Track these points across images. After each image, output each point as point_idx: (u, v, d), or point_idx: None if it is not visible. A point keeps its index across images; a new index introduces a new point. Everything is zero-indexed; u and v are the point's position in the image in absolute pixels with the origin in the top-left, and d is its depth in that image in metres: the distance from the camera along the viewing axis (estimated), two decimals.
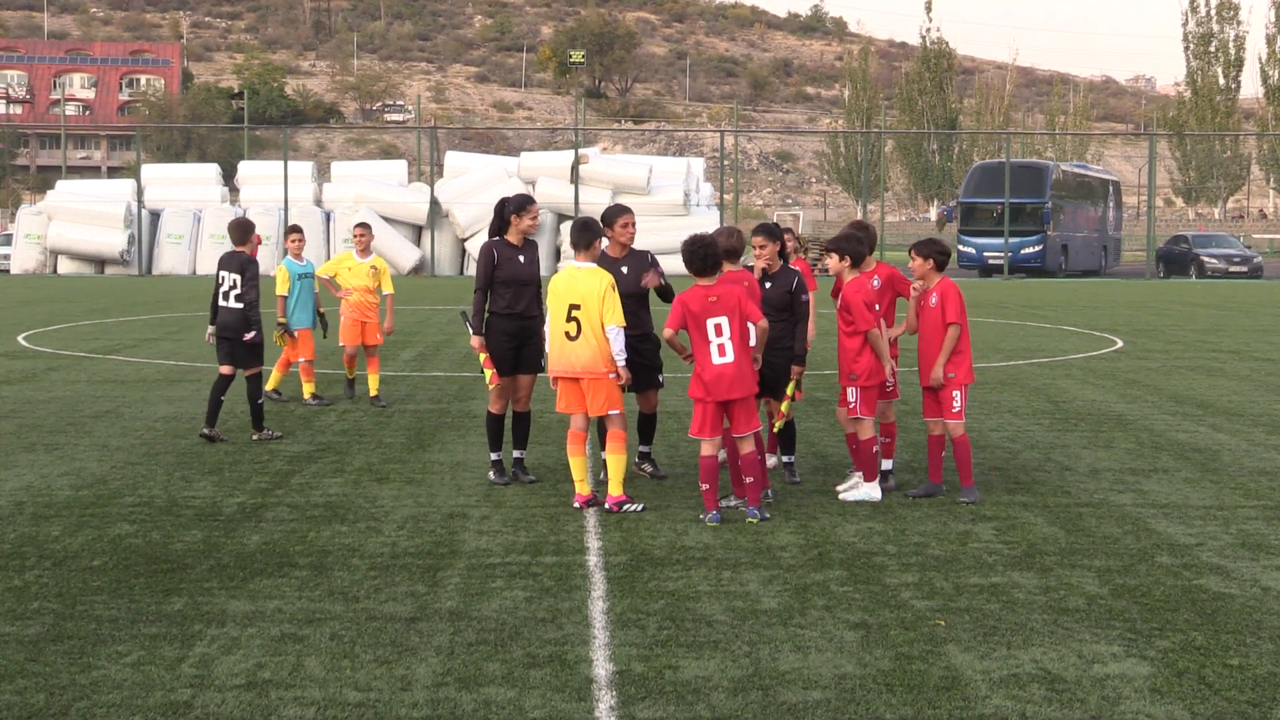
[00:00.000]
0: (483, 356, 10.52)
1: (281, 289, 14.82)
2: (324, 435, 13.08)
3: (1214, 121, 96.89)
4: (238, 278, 12.70)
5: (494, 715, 5.72)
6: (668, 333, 9.42)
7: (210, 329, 13.07)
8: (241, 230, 13.06)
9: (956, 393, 10.05)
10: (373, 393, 15.11)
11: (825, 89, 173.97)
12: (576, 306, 9.59)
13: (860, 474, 10.11)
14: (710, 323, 9.24)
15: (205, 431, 12.63)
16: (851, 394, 10.02)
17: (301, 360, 15.21)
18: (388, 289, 15.44)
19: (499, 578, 7.86)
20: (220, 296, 12.79)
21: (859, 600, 7.40)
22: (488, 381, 10.61)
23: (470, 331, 10.61)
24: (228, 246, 13.34)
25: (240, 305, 12.67)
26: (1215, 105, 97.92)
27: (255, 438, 12.72)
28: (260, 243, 14.17)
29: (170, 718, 5.69)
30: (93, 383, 17.02)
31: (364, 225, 15.61)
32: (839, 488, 10.21)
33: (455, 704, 5.84)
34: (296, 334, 14.95)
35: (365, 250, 15.38)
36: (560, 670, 6.26)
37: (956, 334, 9.99)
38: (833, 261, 10.22)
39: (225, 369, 12.82)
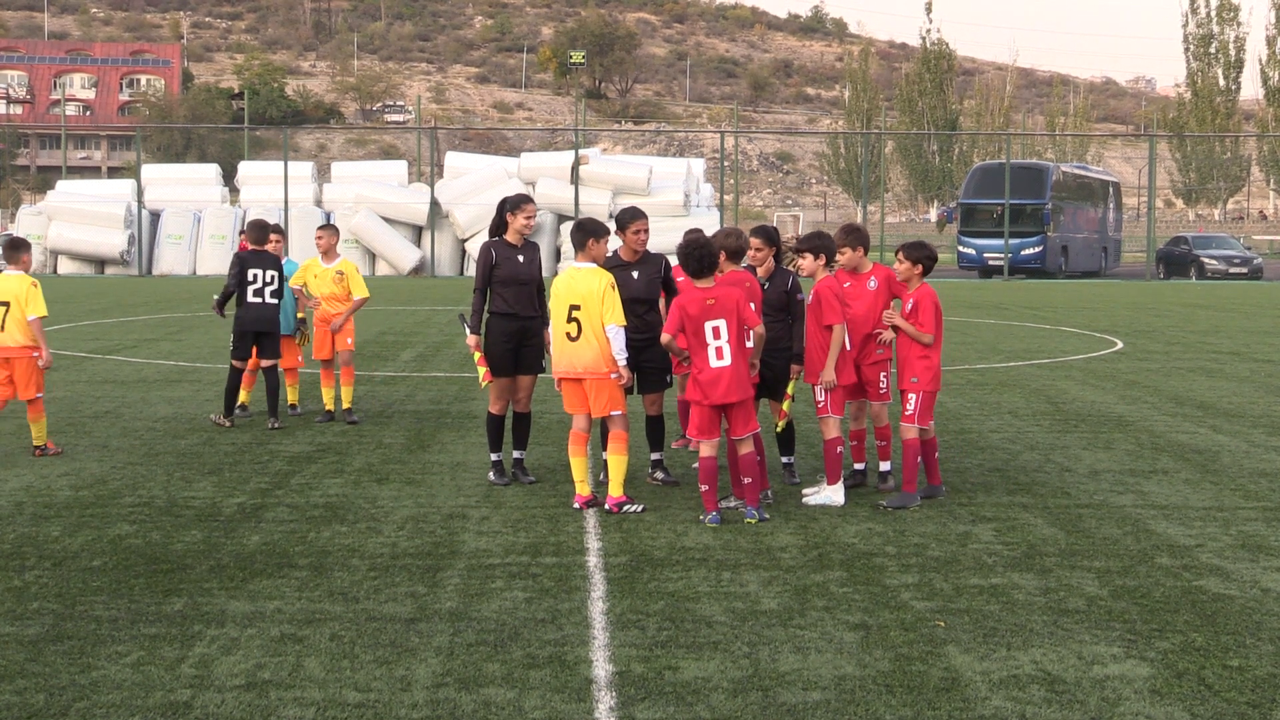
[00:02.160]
0: (477, 355, 10.54)
1: None
2: (324, 435, 13.08)
3: (1214, 123, 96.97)
4: (275, 274, 13.48)
5: (494, 716, 5.72)
6: (665, 337, 9.43)
7: (215, 297, 13.89)
8: (263, 230, 13.75)
9: (913, 396, 9.94)
10: (345, 405, 13.88)
11: (825, 90, 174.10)
12: (577, 307, 9.60)
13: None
14: (708, 325, 9.23)
15: (221, 420, 13.45)
16: (820, 392, 10.00)
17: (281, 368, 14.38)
18: (360, 293, 14.10)
19: (499, 578, 7.86)
20: (252, 294, 13.42)
21: (859, 601, 7.40)
22: (479, 379, 10.63)
23: (467, 331, 10.63)
24: (228, 247, 13.70)
25: (277, 301, 13.50)
26: (1215, 107, 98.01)
27: (274, 425, 13.38)
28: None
29: (170, 718, 5.69)
30: (93, 383, 17.02)
31: (326, 227, 14.27)
32: (805, 492, 10.18)
33: (455, 705, 5.84)
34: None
35: (329, 254, 14.10)
36: (560, 671, 6.26)
37: (929, 340, 9.93)
38: (806, 262, 10.18)
39: (241, 362, 13.52)
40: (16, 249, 12.18)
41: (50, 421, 13.71)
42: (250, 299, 13.39)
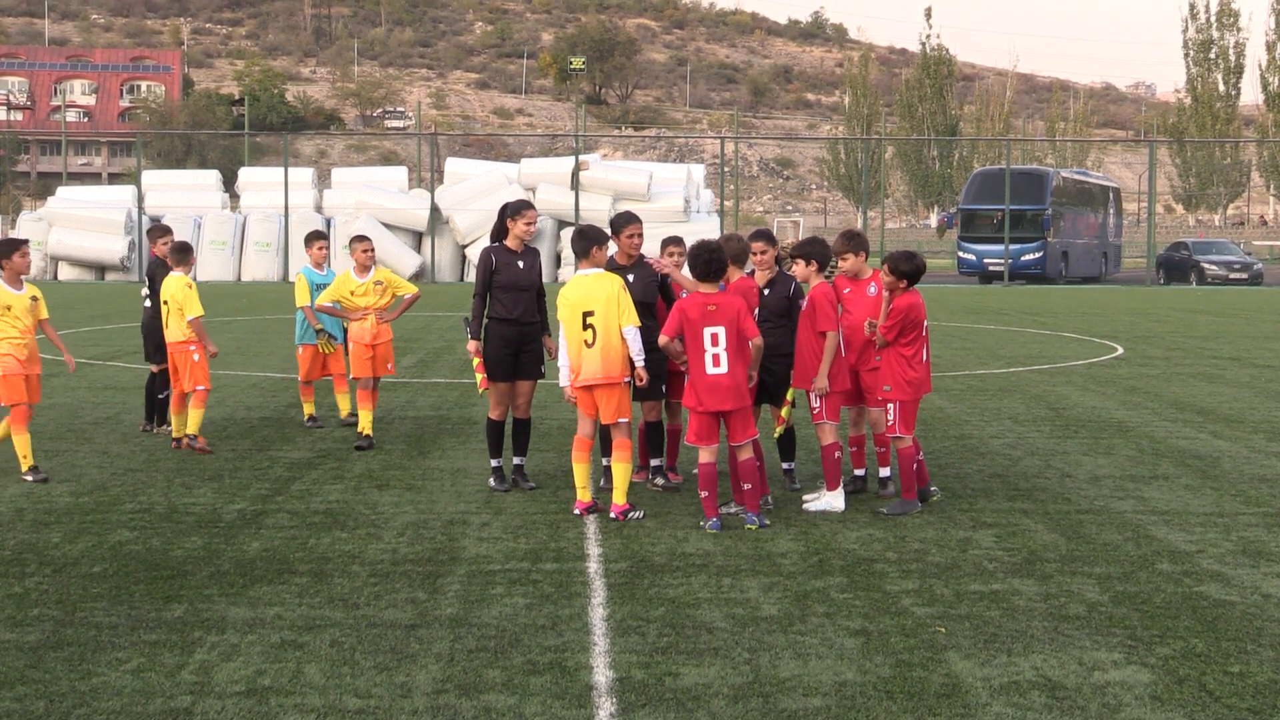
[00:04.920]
0: (476, 361, 10.55)
1: (302, 299, 13.79)
2: (324, 442, 13.07)
3: (1214, 128, 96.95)
4: (149, 279, 13.78)
5: None
6: (663, 339, 9.42)
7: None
8: (149, 233, 14.04)
9: (891, 405, 9.87)
10: (361, 428, 12.73)
11: (825, 95, 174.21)
12: (590, 313, 9.58)
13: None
14: (707, 331, 9.22)
15: (148, 428, 13.63)
16: (815, 398, 9.99)
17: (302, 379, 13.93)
18: (411, 290, 13.23)
19: (499, 584, 7.85)
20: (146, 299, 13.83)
21: (859, 607, 7.40)
22: (477, 385, 10.64)
23: (468, 335, 10.65)
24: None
25: (150, 306, 13.70)
26: (1215, 112, 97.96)
27: (145, 428, 13.69)
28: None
29: None
30: (93, 389, 17.01)
31: (365, 239, 13.24)
32: (806, 498, 10.16)
33: (455, 711, 5.84)
34: (332, 342, 13.70)
35: (365, 268, 13.05)
36: (560, 677, 6.25)
37: (881, 342, 9.86)
38: (799, 268, 10.17)
39: (156, 367, 13.76)
40: (184, 253, 12.93)
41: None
42: (145, 305, 13.83)
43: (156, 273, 13.48)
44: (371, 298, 12.96)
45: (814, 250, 10.19)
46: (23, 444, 11.06)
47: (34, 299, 11.15)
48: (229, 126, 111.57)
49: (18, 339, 10.99)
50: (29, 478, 10.96)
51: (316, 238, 14.32)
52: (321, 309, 13.35)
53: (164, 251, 13.61)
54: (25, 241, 11.55)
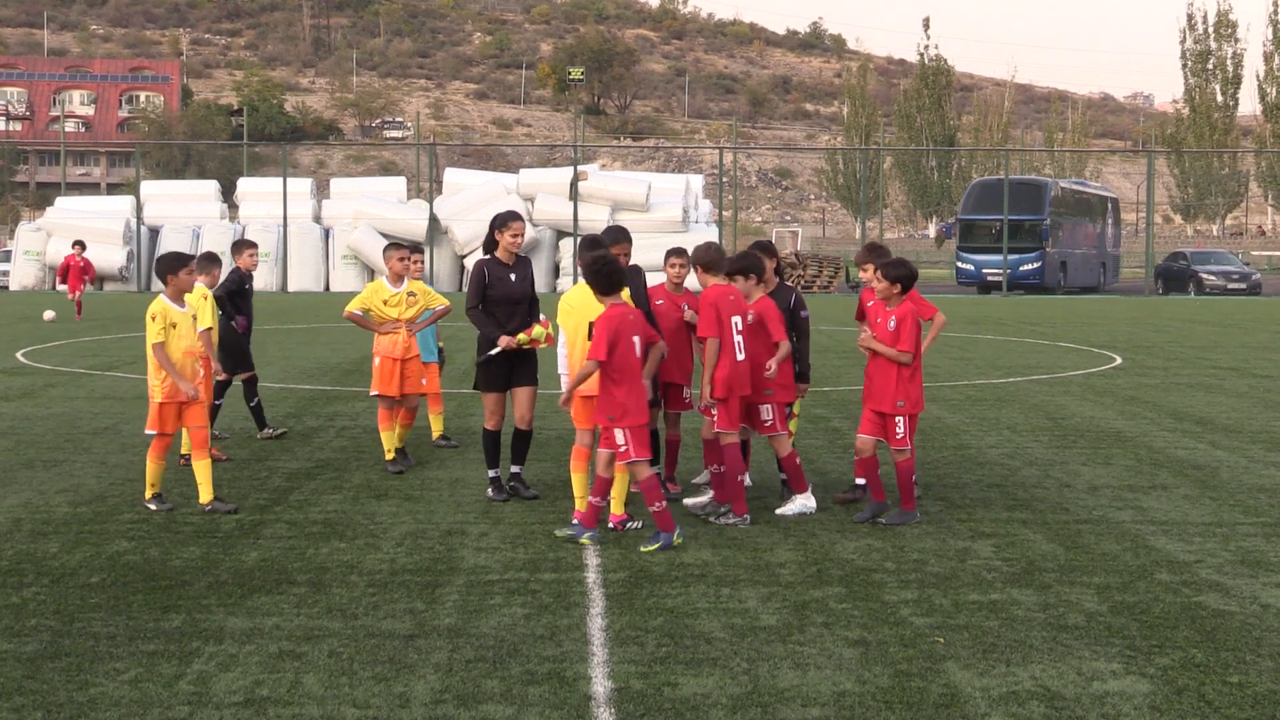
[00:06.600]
0: (521, 337, 10.33)
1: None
2: (322, 452, 13.06)
3: (1212, 139, 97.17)
4: None
5: None
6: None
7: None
8: (235, 249, 13.83)
9: (900, 419, 9.75)
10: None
11: (824, 106, 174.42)
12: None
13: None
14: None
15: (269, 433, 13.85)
16: (767, 410, 9.99)
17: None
18: (443, 302, 12.73)
19: (497, 594, 7.85)
20: None
21: (858, 617, 7.39)
22: (539, 338, 10.38)
23: (496, 349, 10.39)
24: (226, 263, 13.54)
25: None
26: (1213, 122, 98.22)
27: (263, 435, 13.83)
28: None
29: None
30: (91, 399, 17.01)
31: (417, 248, 12.96)
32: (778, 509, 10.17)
33: None
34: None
35: (399, 278, 12.54)
36: (559, 688, 6.25)
37: (907, 360, 9.73)
38: (740, 283, 9.94)
39: (244, 376, 13.77)
40: (211, 262, 12.90)
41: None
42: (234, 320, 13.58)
43: (240, 286, 13.41)
44: (403, 309, 12.44)
45: (747, 264, 10.06)
46: (154, 473, 10.29)
47: (194, 316, 10.68)
48: (228, 137, 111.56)
49: (182, 360, 10.36)
50: (151, 505, 10.22)
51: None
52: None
53: (250, 264, 13.59)
54: (192, 257, 10.97)
